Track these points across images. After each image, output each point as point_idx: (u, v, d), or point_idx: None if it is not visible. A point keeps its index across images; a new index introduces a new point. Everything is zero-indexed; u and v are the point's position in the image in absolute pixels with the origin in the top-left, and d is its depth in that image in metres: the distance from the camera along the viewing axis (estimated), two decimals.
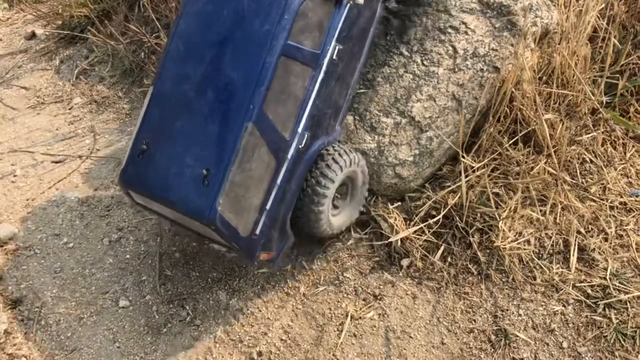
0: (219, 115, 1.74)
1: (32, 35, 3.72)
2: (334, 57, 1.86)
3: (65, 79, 3.28)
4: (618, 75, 2.42)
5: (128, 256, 2.28)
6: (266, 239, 1.90)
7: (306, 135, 1.87)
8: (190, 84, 1.79)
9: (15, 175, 2.65)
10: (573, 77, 2.33)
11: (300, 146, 1.87)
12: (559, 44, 2.35)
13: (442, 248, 2.15)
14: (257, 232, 1.84)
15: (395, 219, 2.19)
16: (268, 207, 1.84)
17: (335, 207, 2.10)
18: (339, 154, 1.97)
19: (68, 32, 3.48)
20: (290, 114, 1.81)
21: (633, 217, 2.21)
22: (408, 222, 2.20)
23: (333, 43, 1.84)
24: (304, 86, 1.81)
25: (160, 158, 1.80)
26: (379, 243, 2.18)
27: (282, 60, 1.70)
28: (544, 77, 2.36)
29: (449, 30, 2.29)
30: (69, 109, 3.06)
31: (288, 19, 1.68)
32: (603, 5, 2.48)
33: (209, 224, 1.73)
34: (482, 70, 2.25)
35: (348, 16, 1.86)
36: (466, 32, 2.28)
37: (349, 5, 1.85)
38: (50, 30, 3.64)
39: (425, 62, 2.28)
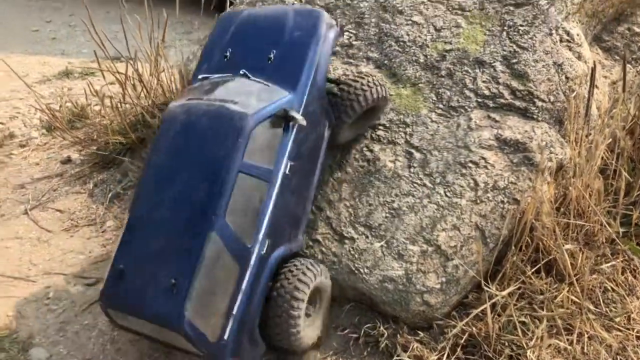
0: (187, 230, 1.96)
1: (68, 160, 3.94)
2: (287, 172, 2.15)
3: (98, 202, 3.43)
4: (631, 206, 2.55)
5: None
6: (235, 345, 2.00)
7: (267, 242, 2.08)
8: (163, 207, 2.03)
9: (48, 298, 2.72)
10: (588, 208, 2.45)
11: (262, 252, 2.06)
12: (573, 178, 2.50)
13: None
14: (226, 337, 1.96)
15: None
16: (235, 312, 1.98)
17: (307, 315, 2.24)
18: (307, 267, 2.16)
19: (104, 154, 3.69)
20: (250, 224, 2.04)
21: None
22: (435, 350, 2.23)
23: (285, 160, 2.14)
24: (262, 198, 2.07)
25: (136, 277, 1.98)
26: None
27: (240, 176, 1.98)
28: (562, 209, 2.49)
29: (470, 164, 2.46)
30: (102, 232, 3.18)
31: (242, 142, 1.99)
32: (610, 140, 2.66)
33: (178, 330, 1.85)
34: (502, 202, 2.39)
35: (296, 137, 2.18)
36: (486, 167, 2.45)
37: (295, 128, 2.16)
38: (85, 156, 3.85)
39: (448, 194, 2.42)
